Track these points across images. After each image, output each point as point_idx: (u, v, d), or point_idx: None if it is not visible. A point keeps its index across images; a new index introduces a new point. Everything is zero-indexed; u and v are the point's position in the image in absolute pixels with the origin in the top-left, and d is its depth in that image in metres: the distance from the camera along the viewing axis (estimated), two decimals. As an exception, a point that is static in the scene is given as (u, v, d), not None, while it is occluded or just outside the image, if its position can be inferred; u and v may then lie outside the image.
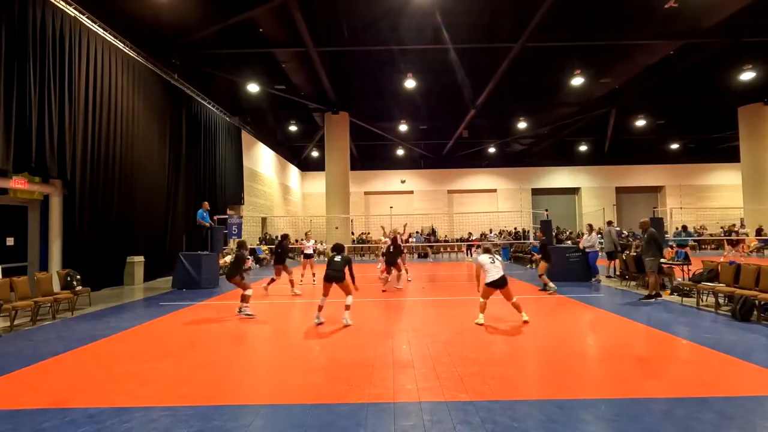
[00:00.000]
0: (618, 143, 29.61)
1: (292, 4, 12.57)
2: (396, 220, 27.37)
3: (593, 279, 11.66)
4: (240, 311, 7.43)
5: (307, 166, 32.54)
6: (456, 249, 25.59)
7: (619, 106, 22.94)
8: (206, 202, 12.47)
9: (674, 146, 31.29)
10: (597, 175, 31.99)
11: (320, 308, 6.70)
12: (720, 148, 30.42)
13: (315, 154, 31.42)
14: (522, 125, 25.43)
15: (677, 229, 16.80)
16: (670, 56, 17.14)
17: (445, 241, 26.43)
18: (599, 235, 12.42)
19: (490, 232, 25.89)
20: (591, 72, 18.90)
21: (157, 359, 4.89)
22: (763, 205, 21.55)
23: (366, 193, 32.34)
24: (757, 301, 6.48)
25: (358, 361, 4.73)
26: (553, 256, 10.50)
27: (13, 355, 5.16)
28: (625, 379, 4.07)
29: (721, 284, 7.62)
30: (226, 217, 15.42)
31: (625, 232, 23.53)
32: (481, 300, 6.54)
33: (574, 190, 32.73)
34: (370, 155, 31.39)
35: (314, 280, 11.87)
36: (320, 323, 6.57)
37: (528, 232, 24.50)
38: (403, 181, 19.36)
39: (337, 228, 22.24)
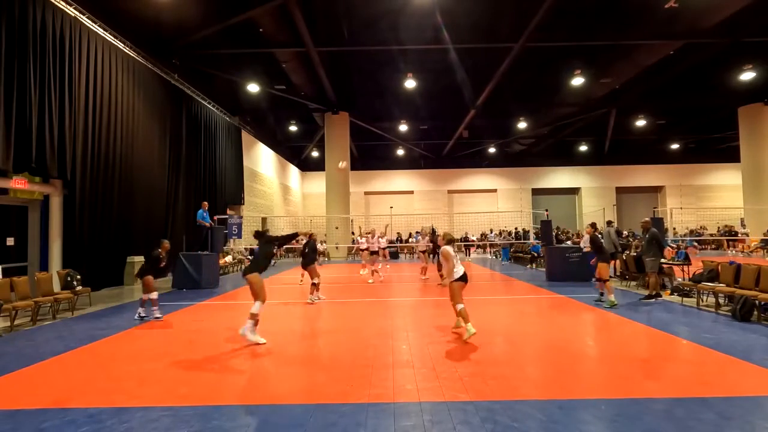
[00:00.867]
0: (618, 143, 29.61)
1: (292, 4, 12.58)
2: (396, 220, 27.43)
3: (593, 279, 11.66)
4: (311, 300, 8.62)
5: (307, 166, 32.55)
6: (455, 249, 25.54)
7: (619, 106, 22.94)
8: (206, 202, 12.47)
9: (674, 146, 31.29)
10: (597, 175, 31.99)
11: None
12: (720, 148, 30.42)
13: (315, 154, 31.43)
14: (522, 125, 25.43)
15: (687, 230, 16.74)
16: (670, 56, 17.14)
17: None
18: (599, 235, 12.41)
19: (491, 232, 25.90)
20: (591, 72, 18.89)
21: (157, 359, 4.89)
22: (763, 205, 21.54)
23: (366, 193, 32.34)
24: (757, 302, 6.48)
25: (358, 361, 4.73)
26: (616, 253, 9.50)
27: (13, 355, 5.16)
28: (625, 379, 4.07)
29: (721, 284, 7.61)
30: (226, 217, 15.44)
31: (625, 232, 23.52)
32: (460, 306, 5.56)
33: (574, 190, 32.73)
34: (370, 155, 31.40)
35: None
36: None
37: (528, 232, 24.49)
38: (342, 166, 18.72)
39: (337, 228, 22.24)
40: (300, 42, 14.84)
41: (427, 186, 32.31)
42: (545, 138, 29.16)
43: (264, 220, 23.49)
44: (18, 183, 8.78)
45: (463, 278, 5.65)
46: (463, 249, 24.21)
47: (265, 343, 5.36)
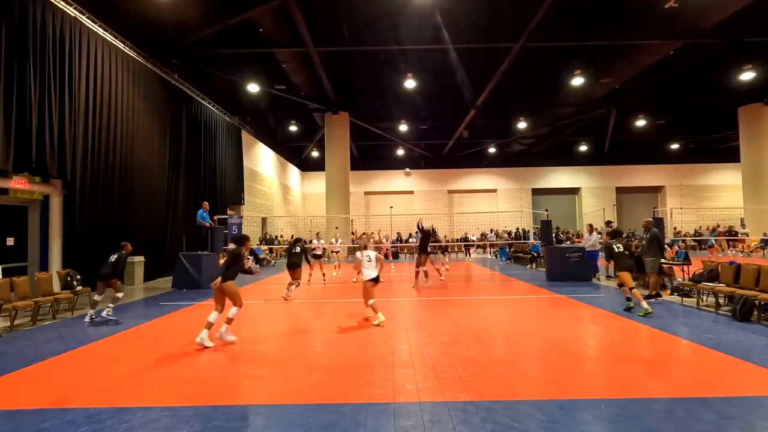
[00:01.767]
0: (618, 143, 29.61)
1: (292, 4, 12.58)
2: (396, 220, 27.43)
3: (593, 279, 11.69)
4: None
5: (307, 166, 32.54)
6: (456, 249, 25.57)
7: (619, 106, 22.93)
8: (206, 203, 12.46)
9: (674, 146, 31.29)
10: (597, 175, 31.99)
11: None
12: (720, 148, 30.42)
13: (315, 154, 31.43)
14: (522, 125, 25.43)
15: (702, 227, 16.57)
16: (670, 56, 17.13)
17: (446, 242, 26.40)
18: (599, 235, 12.45)
19: (491, 232, 25.90)
20: (591, 72, 18.89)
21: (157, 359, 4.89)
22: (763, 205, 21.55)
23: (366, 193, 32.34)
24: (757, 302, 6.48)
25: (358, 361, 4.73)
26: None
27: (13, 355, 5.16)
28: (625, 379, 4.07)
29: (721, 284, 7.62)
30: (226, 217, 15.42)
31: (624, 232, 23.52)
32: (371, 301, 6.61)
33: (574, 190, 32.73)
34: (370, 155, 31.39)
35: (324, 280, 12.08)
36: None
37: (528, 232, 24.49)
38: (408, 173, 19.16)
39: (337, 228, 22.24)
40: (300, 42, 14.83)
41: (427, 186, 32.31)
42: (545, 138, 29.16)
43: (264, 220, 23.52)
44: (18, 183, 8.78)
45: (375, 279, 6.72)
46: (464, 249, 24.22)
47: (234, 342, 5.64)
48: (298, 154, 31.42)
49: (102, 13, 10.78)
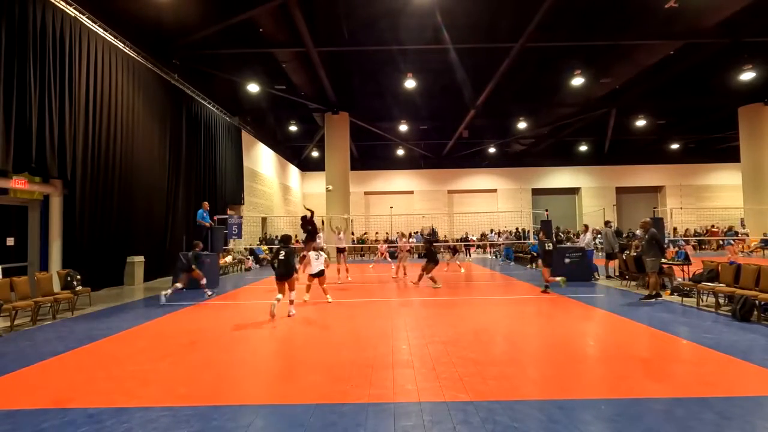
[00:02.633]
0: (618, 143, 29.60)
1: (292, 4, 12.57)
2: (396, 220, 27.42)
3: (593, 279, 11.71)
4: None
5: (307, 166, 32.53)
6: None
7: (619, 106, 22.92)
8: (206, 203, 12.46)
9: (674, 146, 31.28)
10: (597, 175, 31.98)
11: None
12: (720, 148, 30.41)
13: (315, 154, 31.42)
14: (522, 125, 25.42)
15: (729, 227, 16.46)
16: (670, 56, 17.13)
17: (444, 242, 26.40)
18: (599, 235, 12.48)
19: (491, 232, 25.90)
20: (591, 72, 18.88)
21: (157, 359, 4.89)
22: (763, 205, 21.55)
23: (366, 193, 32.33)
24: (757, 302, 6.48)
25: (358, 361, 4.73)
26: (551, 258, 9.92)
27: (13, 355, 5.16)
28: (625, 379, 4.07)
29: (721, 284, 7.62)
30: (226, 217, 15.43)
31: (624, 232, 23.53)
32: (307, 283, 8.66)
33: (574, 190, 32.73)
34: (370, 155, 31.38)
35: (348, 277, 12.32)
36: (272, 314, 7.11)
37: (528, 232, 24.50)
38: (329, 189, 18.71)
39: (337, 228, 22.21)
40: (300, 42, 14.83)
41: (427, 186, 32.31)
42: (545, 138, 29.15)
43: (264, 220, 23.51)
44: (18, 183, 8.78)
45: (318, 274, 8.43)
46: (463, 249, 24.21)
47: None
48: (298, 154, 31.41)
49: (102, 13, 10.78)
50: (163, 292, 8.75)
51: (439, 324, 6.58)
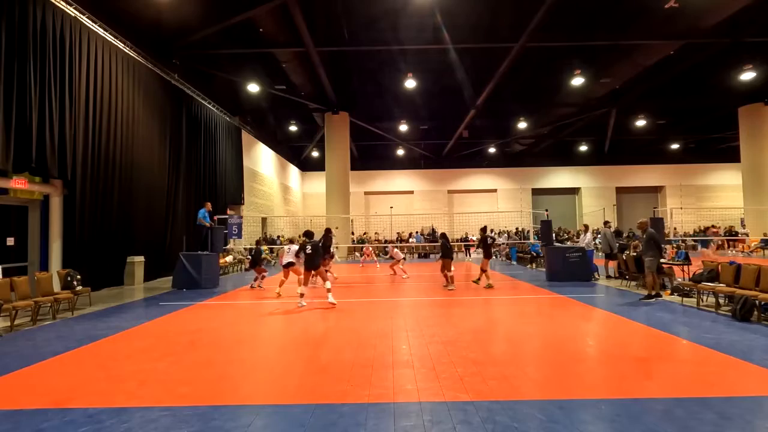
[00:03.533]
0: (618, 143, 29.61)
1: (292, 4, 12.58)
2: (396, 220, 27.42)
3: (593, 278, 11.72)
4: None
5: (307, 166, 32.55)
6: (456, 249, 25.54)
7: (619, 106, 22.93)
8: (208, 203, 12.47)
9: (674, 146, 31.29)
10: (597, 175, 31.99)
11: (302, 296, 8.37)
12: (720, 148, 30.43)
13: (315, 154, 31.43)
14: (522, 125, 25.43)
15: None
16: (670, 56, 17.14)
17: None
18: (599, 235, 12.50)
19: (491, 232, 25.87)
20: (591, 72, 18.90)
21: (157, 359, 4.89)
22: (763, 205, 21.55)
23: (366, 193, 32.34)
24: (757, 302, 6.48)
25: (358, 361, 4.72)
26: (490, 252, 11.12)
27: (13, 355, 5.16)
28: (625, 379, 4.07)
29: (721, 284, 7.61)
30: (226, 217, 15.44)
31: (625, 232, 23.54)
32: (283, 278, 9.70)
33: (574, 190, 32.73)
34: (370, 155, 31.39)
35: (335, 277, 12.50)
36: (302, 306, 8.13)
37: (528, 232, 24.49)
38: (242, 201, 18.53)
39: (337, 228, 22.22)
40: (300, 42, 14.84)
41: (427, 186, 32.31)
42: (545, 138, 29.16)
43: (264, 220, 23.51)
44: (18, 183, 8.78)
45: (288, 265, 9.58)
46: (463, 249, 24.21)
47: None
48: (298, 154, 31.42)
49: (102, 13, 10.78)
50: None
51: (439, 324, 6.58)
